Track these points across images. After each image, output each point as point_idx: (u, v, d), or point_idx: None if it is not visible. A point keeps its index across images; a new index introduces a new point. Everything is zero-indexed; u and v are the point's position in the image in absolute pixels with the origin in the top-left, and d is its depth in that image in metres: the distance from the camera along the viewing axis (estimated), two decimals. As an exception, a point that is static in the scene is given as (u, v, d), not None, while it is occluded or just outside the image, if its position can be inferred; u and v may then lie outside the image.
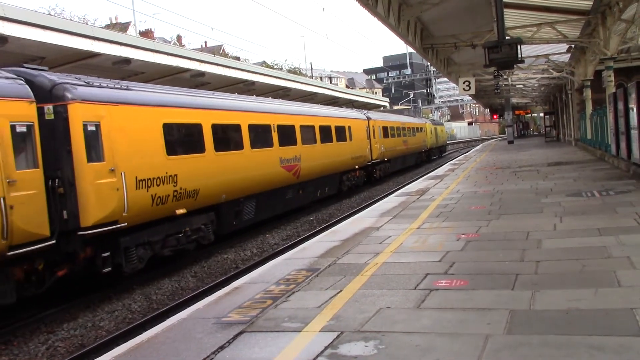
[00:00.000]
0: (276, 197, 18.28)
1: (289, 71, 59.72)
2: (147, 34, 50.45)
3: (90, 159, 10.45)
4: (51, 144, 10.05)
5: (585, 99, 29.05)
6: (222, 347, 5.22)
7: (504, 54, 14.52)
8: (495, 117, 73.36)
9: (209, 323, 6.01)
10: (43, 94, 10.06)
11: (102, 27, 30.48)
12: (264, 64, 61.26)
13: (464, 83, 27.03)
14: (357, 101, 47.90)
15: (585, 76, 28.06)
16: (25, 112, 9.55)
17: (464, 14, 21.71)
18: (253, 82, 28.28)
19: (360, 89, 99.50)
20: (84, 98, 10.57)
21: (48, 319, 9.97)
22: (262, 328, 5.65)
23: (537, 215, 10.72)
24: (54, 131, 10.13)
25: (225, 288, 7.70)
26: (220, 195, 14.54)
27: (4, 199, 8.87)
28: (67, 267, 10.38)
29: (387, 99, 69.55)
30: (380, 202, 16.25)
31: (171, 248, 12.81)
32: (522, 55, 15.22)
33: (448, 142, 73.07)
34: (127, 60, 19.00)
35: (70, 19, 35.98)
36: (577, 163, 22.21)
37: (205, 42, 74.53)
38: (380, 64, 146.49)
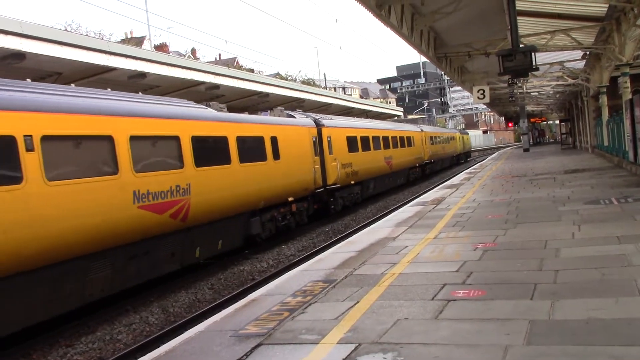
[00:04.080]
0: (382, 180, 29.52)
1: (303, 82, 59.93)
2: (162, 47, 50.89)
3: (329, 152, 21.82)
4: (318, 147, 21.04)
5: (601, 106, 28.81)
6: (239, 360, 5.21)
7: (518, 62, 14.44)
8: (510, 125, 73.04)
9: (227, 336, 6.01)
10: (318, 125, 21.73)
11: (117, 42, 30.81)
12: (277, 75, 61.57)
13: (478, 91, 26.91)
14: (371, 111, 47.90)
15: (601, 83, 27.85)
16: (314, 132, 21.04)
17: (477, 23, 21.68)
18: (267, 94, 28.37)
19: (374, 99, 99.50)
20: (327, 125, 22.66)
21: (67, 333, 10.03)
22: (279, 340, 5.64)
23: (555, 223, 10.63)
24: (319, 141, 21.46)
25: (242, 300, 7.70)
26: (368, 174, 26.48)
27: (315, 168, 20.28)
28: (318, 205, 21.22)
29: (401, 109, 69.48)
30: (396, 212, 16.20)
31: (352, 200, 24.67)
32: (537, 63, 15.15)
33: (465, 150, 74.02)
34: (142, 75, 19.16)
35: (86, 34, 36.44)
36: (594, 170, 22.02)
37: (220, 55, 75.03)
38: (393, 73, 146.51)
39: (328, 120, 23.56)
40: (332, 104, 38.50)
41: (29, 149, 8.96)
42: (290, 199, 18.22)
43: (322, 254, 10.74)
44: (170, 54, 37.38)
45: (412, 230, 11.80)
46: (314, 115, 23.52)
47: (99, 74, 17.84)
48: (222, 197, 14.02)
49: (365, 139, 26.70)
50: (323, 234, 19.08)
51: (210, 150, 13.87)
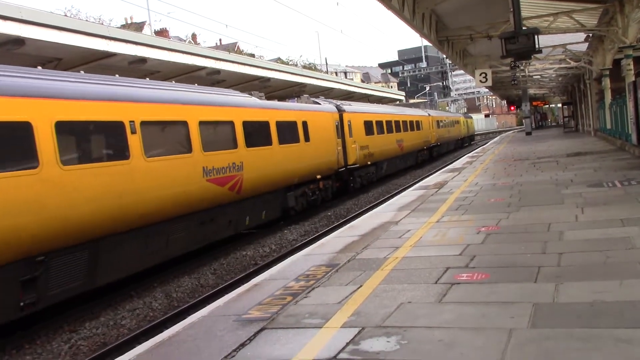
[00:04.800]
0: (394, 161, 31.63)
1: (304, 67, 59.69)
2: (162, 33, 50.62)
3: (349, 135, 23.64)
4: (340, 130, 22.82)
5: (604, 89, 28.66)
6: (243, 345, 5.21)
7: (521, 45, 14.32)
8: (512, 108, 72.84)
9: (230, 320, 6.01)
10: (340, 110, 23.57)
11: (117, 27, 30.64)
12: (278, 60, 61.33)
13: (480, 75, 26.77)
14: (372, 95, 47.73)
15: (604, 65, 27.68)
16: (336, 117, 22.91)
17: (479, 5, 21.49)
18: (268, 79, 28.26)
19: (375, 83, 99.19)
20: (347, 110, 24.54)
21: (71, 318, 10.05)
22: (282, 325, 5.63)
23: (558, 206, 10.60)
24: (340, 125, 23.04)
25: (245, 285, 7.70)
26: (382, 156, 28.52)
27: (338, 150, 22.07)
28: (339, 184, 22.93)
29: (403, 93, 69.24)
30: (398, 196, 16.17)
31: (368, 179, 26.66)
32: (540, 46, 15.02)
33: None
34: (143, 60, 19.07)
35: (86, 20, 36.25)
36: (597, 153, 21.95)
37: (220, 40, 74.75)
38: (395, 57, 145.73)
39: (348, 106, 25.37)
40: (333, 88, 38.35)
41: (133, 132, 10.97)
42: (318, 176, 20.40)
43: (325, 238, 10.74)
44: (171, 39, 37.19)
45: (414, 214, 11.78)
46: (335, 101, 25.24)
47: (99, 59, 17.76)
48: (266, 173, 16.21)
49: (379, 123, 28.66)
50: (325, 219, 19.07)
51: (256, 133, 15.92)
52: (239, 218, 14.96)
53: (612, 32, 22.42)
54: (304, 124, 19.39)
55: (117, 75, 12.61)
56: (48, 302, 9.20)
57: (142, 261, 11.34)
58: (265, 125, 16.54)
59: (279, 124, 17.34)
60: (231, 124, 14.65)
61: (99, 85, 10.75)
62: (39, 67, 11.44)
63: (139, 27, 51.69)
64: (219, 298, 7.48)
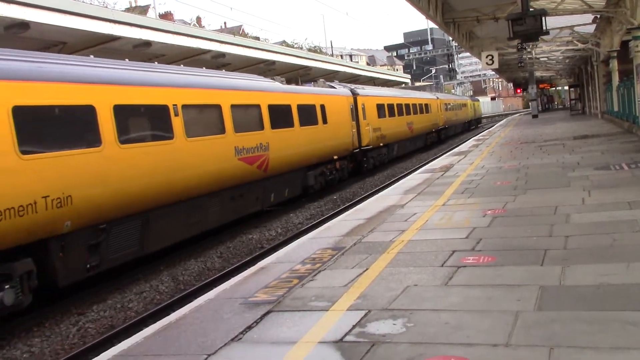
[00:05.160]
0: (404, 143, 32.68)
1: (309, 50, 59.32)
2: (166, 16, 50.39)
3: (363, 118, 24.42)
4: (354, 113, 23.67)
5: (612, 71, 28.43)
6: (249, 327, 5.23)
7: (528, 26, 14.23)
8: (518, 91, 72.33)
9: (236, 303, 6.03)
10: (354, 94, 24.42)
11: (122, 11, 30.50)
12: (284, 43, 60.95)
13: (486, 57, 26.56)
14: (378, 78, 47.52)
15: (612, 47, 27.40)
16: (351, 101, 23.76)
17: (486, -14, 21.29)
18: (273, 62, 28.15)
19: (381, 66, 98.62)
20: (361, 94, 25.47)
21: (78, 302, 10.12)
22: (289, 307, 5.65)
23: (565, 189, 10.57)
24: (355, 108, 24.00)
25: (251, 268, 7.73)
26: (394, 138, 29.36)
27: (352, 132, 22.98)
28: (353, 165, 23.60)
29: (409, 76, 68.88)
30: (404, 179, 16.16)
31: (380, 160, 27.21)
32: (547, 27, 14.90)
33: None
34: (147, 43, 19.00)
35: (90, 3, 36.08)
36: (604, 136, 21.83)
37: (225, 23, 74.40)
38: (401, 40, 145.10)
39: (361, 89, 26.32)
40: (339, 71, 38.18)
41: (176, 114, 12.02)
42: (335, 157, 21.47)
43: (331, 221, 10.74)
44: (175, 22, 37.04)
45: (420, 198, 11.76)
46: (350, 85, 26.20)
47: (103, 43, 17.71)
48: (289, 153, 17.27)
49: (391, 106, 29.43)
50: (331, 202, 19.07)
51: (280, 116, 16.95)
52: (265, 195, 16.09)
53: (620, 13, 22.18)
54: (322, 107, 20.47)
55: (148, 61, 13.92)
56: (108, 265, 10.36)
57: (184, 231, 12.49)
58: (287, 108, 17.64)
59: (300, 107, 18.42)
60: (258, 107, 15.76)
61: (146, 72, 11.94)
62: (91, 56, 12.30)
63: (143, 10, 51.43)
64: (225, 281, 7.50)
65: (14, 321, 9.09)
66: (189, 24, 53.89)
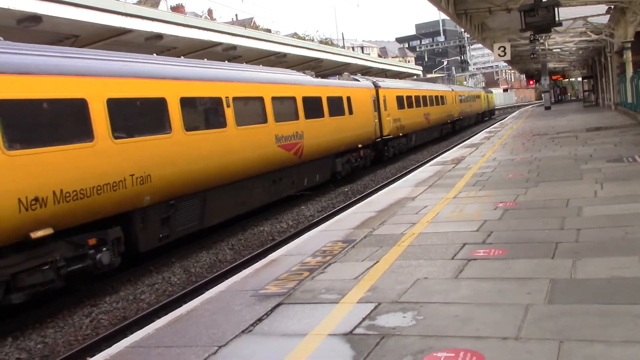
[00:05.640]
0: (421, 133, 33.91)
1: (321, 42, 59.25)
2: (178, 8, 50.53)
3: (384, 109, 25.66)
4: (376, 105, 24.96)
5: (625, 62, 28.14)
6: (260, 319, 5.26)
7: (540, 17, 14.13)
8: (531, 83, 71.92)
9: (247, 295, 6.06)
10: (376, 86, 25.68)
11: (133, 4, 30.57)
12: (295, 35, 60.93)
13: (499, 49, 26.44)
14: (389, 70, 47.35)
15: (625, 38, 27.13)
16: (373, 93, 24.90)
17: (498, -23, 21.13)
18: (285, 54, 28.12)
19: (392, 57, 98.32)
20: (382, 86, 26.39)
21: (91, 293, 10.21)
22: (299, 300, 5.68)
23: (577, 182, 10.51)
24: (377, 100, 25.28)
25: (262, 260, 7.75)
26: (412, 128, 30.68)
27: (375, 122, 24.26)
28: (375, 153, 24.81)
29: (420, 68, 68.57)
30: (415, 172, 16.13)
31: (399, 149, 28.55)
32: (560, 18, 14.78)
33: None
34: (159, 36, 19.03)
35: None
36: (617, 128, 21.66)
37: (236, 15, 74.50)
38: (412, 32, 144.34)
39: (382, 82, 27.77)
40: (350, 63, 38.07)
41: (228, 105, 13.44)
42: (359, 145, 22.74)
43: (341, 214, 10.75)
44: (187, 15, 37.06)
45: (431, 190, 11.74)
46: (372, 78, 27.51)
47: (115, 36, 17.76)
48: (320, 141, 18.65)
49: (409, 98, 30.80)
50: (342, 195, 19.09)
51: (312, 107, 18.31)
52: (299, 179, 17.58)
53: (635, 3, 21.97)
54: (348, 99, 21.85)
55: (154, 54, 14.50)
56: (176, 236, 11.83)
57: (234, 209, 13.98)
58: (318, 100, 19.09)
59: (329, 99, 19.89)
60: (294, 99, 17.19)
61: (204, 69, 13.46)
62: (153, 54, 13.95)
63: (154, 3, 51.52)
64: (236, 273, 7.53)
65: (27, 312, 9.20)
66: (200, 16, 53.95)
